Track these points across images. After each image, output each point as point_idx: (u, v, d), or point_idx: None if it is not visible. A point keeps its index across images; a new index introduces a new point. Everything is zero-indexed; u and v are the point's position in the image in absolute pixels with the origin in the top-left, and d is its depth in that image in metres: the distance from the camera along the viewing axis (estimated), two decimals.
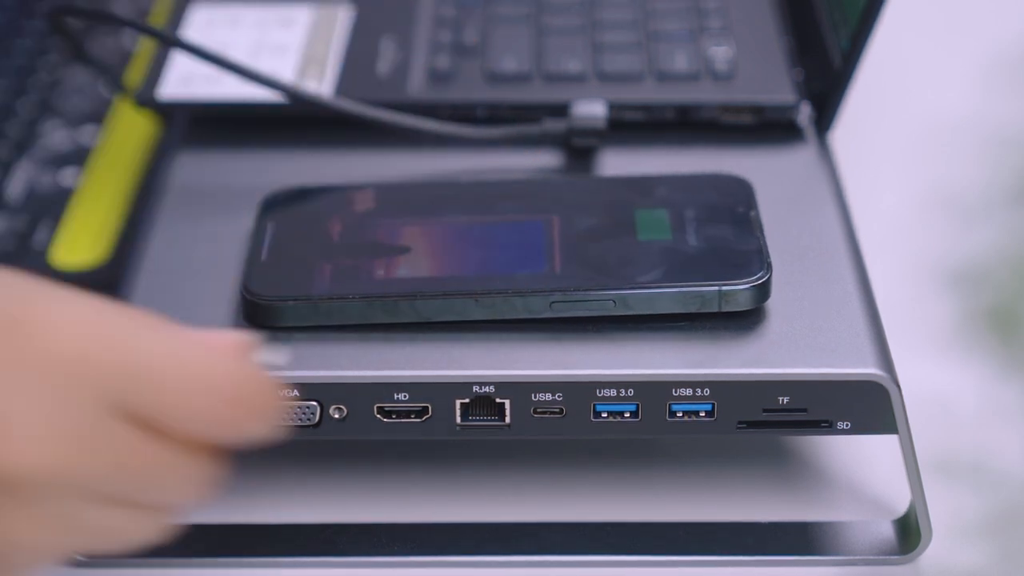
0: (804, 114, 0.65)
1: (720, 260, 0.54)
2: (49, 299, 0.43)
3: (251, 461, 0.51)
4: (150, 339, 0.44)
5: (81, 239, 0.67)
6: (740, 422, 0.53)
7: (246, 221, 0.59)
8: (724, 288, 0.53)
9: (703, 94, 0.65)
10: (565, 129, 0.63)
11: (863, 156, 0.73)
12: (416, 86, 0.66)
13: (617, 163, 0.64)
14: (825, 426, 0.53)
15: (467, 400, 0.53)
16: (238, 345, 0.46)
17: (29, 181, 0.70)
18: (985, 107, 0.78)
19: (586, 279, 0.54)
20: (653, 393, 0.52)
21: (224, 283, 0.56)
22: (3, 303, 0.43)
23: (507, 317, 0.54)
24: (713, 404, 0.53)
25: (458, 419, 0.53)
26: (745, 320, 0.54)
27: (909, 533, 0.55)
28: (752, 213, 0.57)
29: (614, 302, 0.53)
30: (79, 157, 0.71)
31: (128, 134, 0.73)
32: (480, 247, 0.56)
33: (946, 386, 0.62)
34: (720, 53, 0.67)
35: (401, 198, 0.59)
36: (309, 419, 0.53)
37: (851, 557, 0.55)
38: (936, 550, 0.54)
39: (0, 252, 0.66)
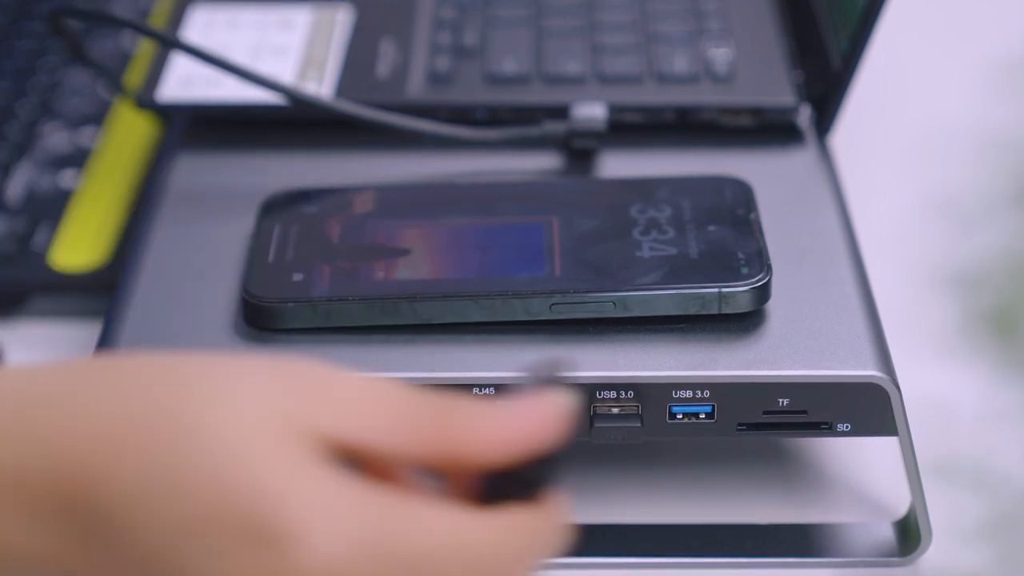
0: (804, 116, 0.65)
1: (720, 262, 0.54)
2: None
3: None
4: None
5: (81, 241, 0.67)
6: (740, 424, 0.53)
7: (246, 223, 0.59)
8: (724, 290, 0.53)
9: (703, 96, 0.65)
10: (565, 131, 0.63)
11: (863, 158, 0.73)
12: (416, 88, 0.66)
13: (617, 165, 0.63)
14: (825, 428, 0.53)
15: None
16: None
17: (29, 183, 0.70)
18: (984, 110, 0.78)
19: (586, 281, 0.54)
20: (653, 395, 0.52)
21: (224, 285, 0.56)
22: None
23: (507, 319, 0.54)
24: (713, 406, 0.53)
25: None
26: (745, 322, 0.54)
27: (909, 535, 0.55)
28: (752, 215, 0.57)
29: (614, 304, 0.53)
30: (79, 159, 0.71)
31: (128, 136, 0.73)
32: (480, 249, 0.56)
33: (946, 388, 0.62)
34: (720, 55, 0.67)
35: (401, 200, 0.59)
36: None
37: (851, 559, 0.55)
38: (936, 552, 0.54)
39: (0, 254, 0.66)
